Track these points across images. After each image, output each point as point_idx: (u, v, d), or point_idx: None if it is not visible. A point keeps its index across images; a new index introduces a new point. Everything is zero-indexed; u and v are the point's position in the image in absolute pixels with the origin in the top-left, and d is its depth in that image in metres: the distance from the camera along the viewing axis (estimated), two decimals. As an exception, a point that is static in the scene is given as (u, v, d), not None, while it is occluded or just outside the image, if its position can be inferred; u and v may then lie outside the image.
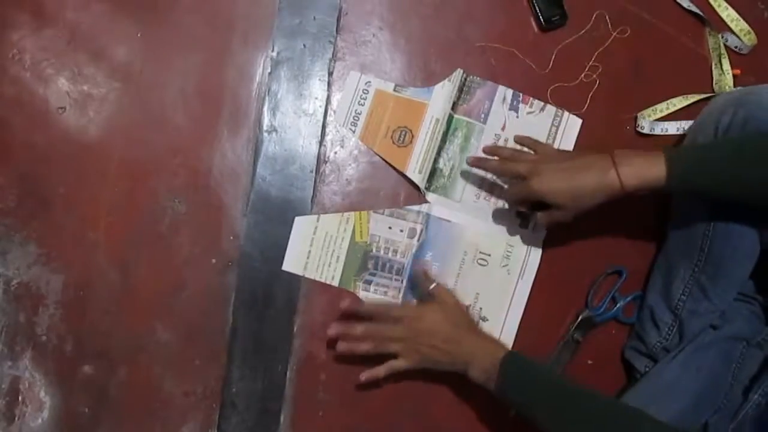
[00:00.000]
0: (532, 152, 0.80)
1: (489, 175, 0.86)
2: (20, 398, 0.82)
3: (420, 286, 0.82)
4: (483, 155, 0.81)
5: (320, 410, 0.84)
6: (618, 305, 0.87)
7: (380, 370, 0.78)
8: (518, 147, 0.82)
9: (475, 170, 0.85)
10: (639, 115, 0.89)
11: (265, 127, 0.84)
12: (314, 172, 0.85)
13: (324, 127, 0.85)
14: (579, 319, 0.87)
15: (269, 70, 0.85)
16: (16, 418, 0.82)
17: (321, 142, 0.85)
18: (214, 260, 0.84)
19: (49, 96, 0.82)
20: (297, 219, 0.84)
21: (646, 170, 0.68)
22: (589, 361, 0.88)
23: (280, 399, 0.83)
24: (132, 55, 0.84)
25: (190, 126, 0.84)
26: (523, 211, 0.85)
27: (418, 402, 0.86)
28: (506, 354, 0.72)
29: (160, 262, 0.83)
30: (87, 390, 0.82)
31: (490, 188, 0.86)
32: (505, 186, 0.85)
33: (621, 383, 0.87)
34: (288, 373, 0.84)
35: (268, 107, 0.84)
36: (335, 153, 0.86)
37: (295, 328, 0.84)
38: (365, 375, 0.79)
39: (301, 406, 0.84)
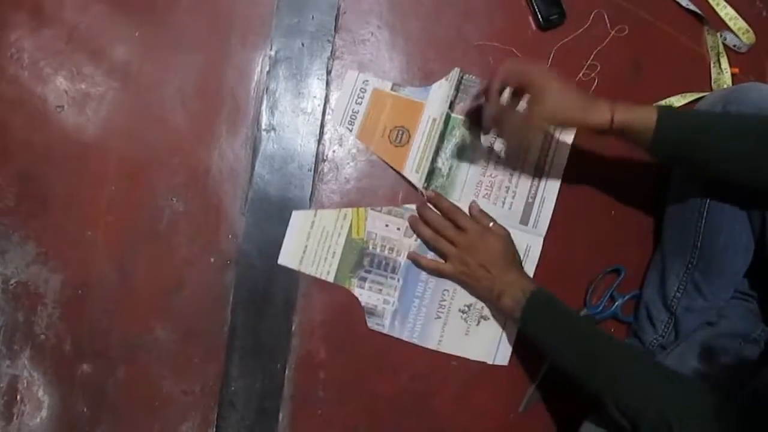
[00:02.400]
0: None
1: (487, 175, 0.86)
2: (19, 397, 0.82)
3: (478, 221, 0.83)
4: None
5: (319, 409, 0.84)
6: (616, 303, 0.87)
7: (427, 261, 0.83)
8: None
9: (474, 170, 0.85)
10: (637, 113, 0.89)
11: (263, 126, 0.84)
12: (312, 170, 0.85)
13: (322, 125, 0.85)
14: (578, 317, 0.87)
15: (268, 69, 0.85)
16: (15, 417, 0.81)
17: (319, 141, 0.85)
18: (212, 259, 0.84)
19: (47, 95, 0.82)
20: (294, 213, 0.84)
21: (638, 112, 0.69)
22: (588, 360, 0.88)
23: (279, 398, 0.83)
24: (130, 55, 0.83)
25: (189, 125, 0.84)
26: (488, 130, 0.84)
27: (418, 401, 0.86)
28: (538, 289, 0.77)
29: (159, 261, 0.83)
30: (86, 389, 0.82)
31: (488, 187, 0.86)
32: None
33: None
34: (287, 371, 0.84)
35: (267, 106, 0.84)
36: (334, 152, 0.86)
37: (293, 327, 0.84)
38: (412, 254, 0.84)
39: (300, 405, 0.84)
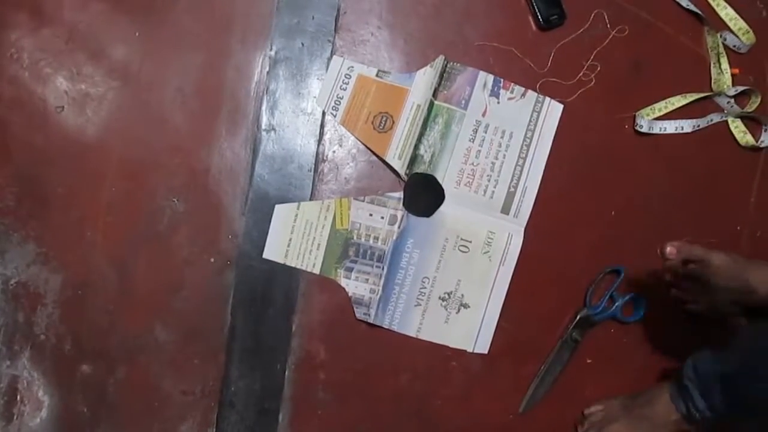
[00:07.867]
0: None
1: (469, 163, 0.85)
2: (19, 397, 0.82)
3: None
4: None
5: (319, 409, 0.84)
6: (616, 304, 0.87)
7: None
8: None
9: (456, 158, 0.85)
10: (637, 114, 0.89)
11: (263, 126, 0.84)
12: (312, 171, 0.85)
13: (322, 125, 0.85)
14: (577, 318, 0.87)
15: (267, 69, 0.85)
16: (15, 418, 0.82)
17: (319, 141, 0.85)
18: (212, 259, 0.84)
19: (47, 95, 0.82)
20: (277, 207, 0.84)
21: None
22: (588, 360, 0.88)
23: (279, 398, 0.84)
24: (130, 55, 0.83)
25: (189, 125, 0.84)
26: None
27: (418, 401, 0.86)
28: None
29: (159, 262, 0.83)
30: (85, 389, 0.82)
31: (470, 175, 0.86)
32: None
33: (620, 382, 0.87)
34: (286, 372, 0.84)
35: (267, 106, 0.84)
36: (333, 152, 0.86)
37: (293, 327, 0.84)
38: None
39: (300, 406, 0.84)
